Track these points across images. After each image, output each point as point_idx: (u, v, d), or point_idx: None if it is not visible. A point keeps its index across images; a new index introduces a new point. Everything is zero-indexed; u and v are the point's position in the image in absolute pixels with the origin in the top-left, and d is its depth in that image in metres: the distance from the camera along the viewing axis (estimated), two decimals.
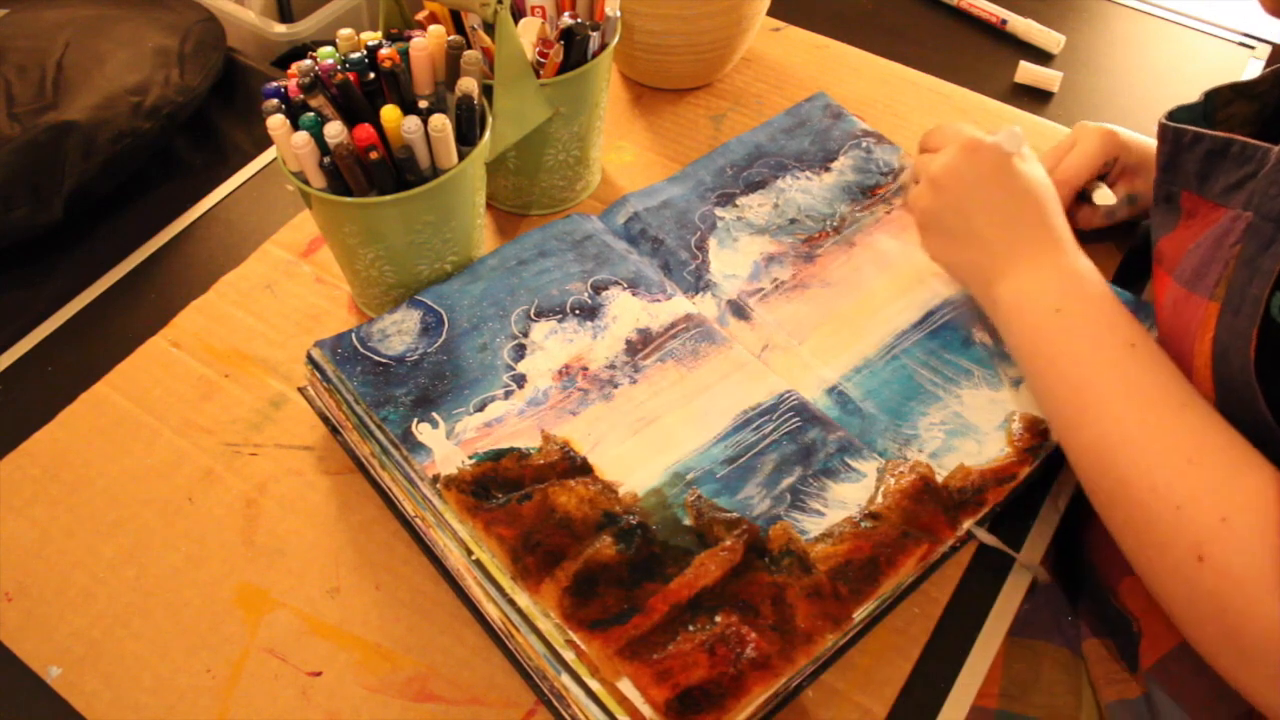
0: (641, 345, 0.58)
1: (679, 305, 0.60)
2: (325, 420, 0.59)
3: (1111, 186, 0.65)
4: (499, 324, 0.58)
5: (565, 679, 0.45)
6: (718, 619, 0.46)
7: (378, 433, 0.54)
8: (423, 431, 0.53)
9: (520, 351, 0.57)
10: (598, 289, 0.60)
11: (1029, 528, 0.55)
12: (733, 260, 0.64)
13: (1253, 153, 0.47)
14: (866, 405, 0.57)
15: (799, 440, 0.54)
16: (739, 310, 0.62)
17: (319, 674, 0.50)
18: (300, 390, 0.60)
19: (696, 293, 0.63)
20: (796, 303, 0.62)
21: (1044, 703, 0.55)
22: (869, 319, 0.61)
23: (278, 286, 0.68)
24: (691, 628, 0.46)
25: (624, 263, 0.62)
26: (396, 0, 0.63)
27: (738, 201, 0.68)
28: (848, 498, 0.52)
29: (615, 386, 0.55)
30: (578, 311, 0.59)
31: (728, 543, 0.49)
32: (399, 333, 0.57)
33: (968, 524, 0.52)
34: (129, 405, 0.61)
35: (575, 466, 0.52)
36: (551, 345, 0.57)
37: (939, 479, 0.53)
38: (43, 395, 0.62)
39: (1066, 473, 0.57)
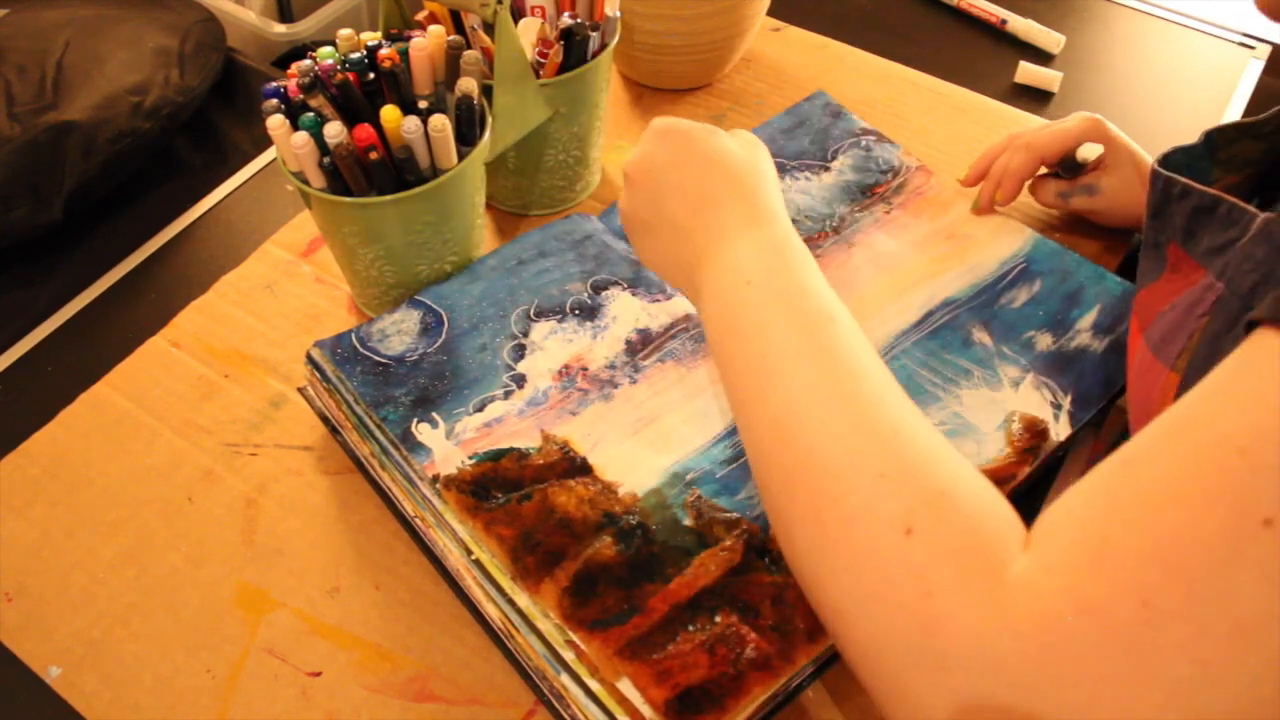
0: (641, 345, 0.58)
1: (679, 305, 0.60)
2: (325, 420, 0.59)
3: (1087, 174, 0.66)
4: (499, 324, 0.58)
5: (565, 679, 0.45)
6: (718, 619, 0.46)
7: (377, 433, 0.54)
8: (422, 431, 0.53)
9: (520, 352, 0.57)
10: (597, 289, 0.60)
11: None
12: None
13: (1239, 216, 0.43)
14: None
15: None
16: None
17: (319, 674, 0.50)
18: (300, 390, 0.60)
19: None
20: None
21: None
22: (868, 320, 0.61)
23: (278, 286, 0.68)
24: (691, 628, 0.46)
25: (624, 263, 0.62)
26: (396, 0, 0.63)
27: None
28: None
29: (615, 387, 0.55)
30: (577, 312, 0.59)
31: (728, 542, 0.49)
32: (399, 333, 0.57)
33: None
34: (129, 405, 0.61)
35: (575, 466, 0.52)
36: (551, 345, 0.57)
37: None
38: (43, 395, 0.62)
39: (1066, 473, 0.57)
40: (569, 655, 0.45)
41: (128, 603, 0.53)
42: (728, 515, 0.50)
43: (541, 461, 0.52)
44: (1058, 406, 0.56)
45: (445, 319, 0.58)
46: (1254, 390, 0.32)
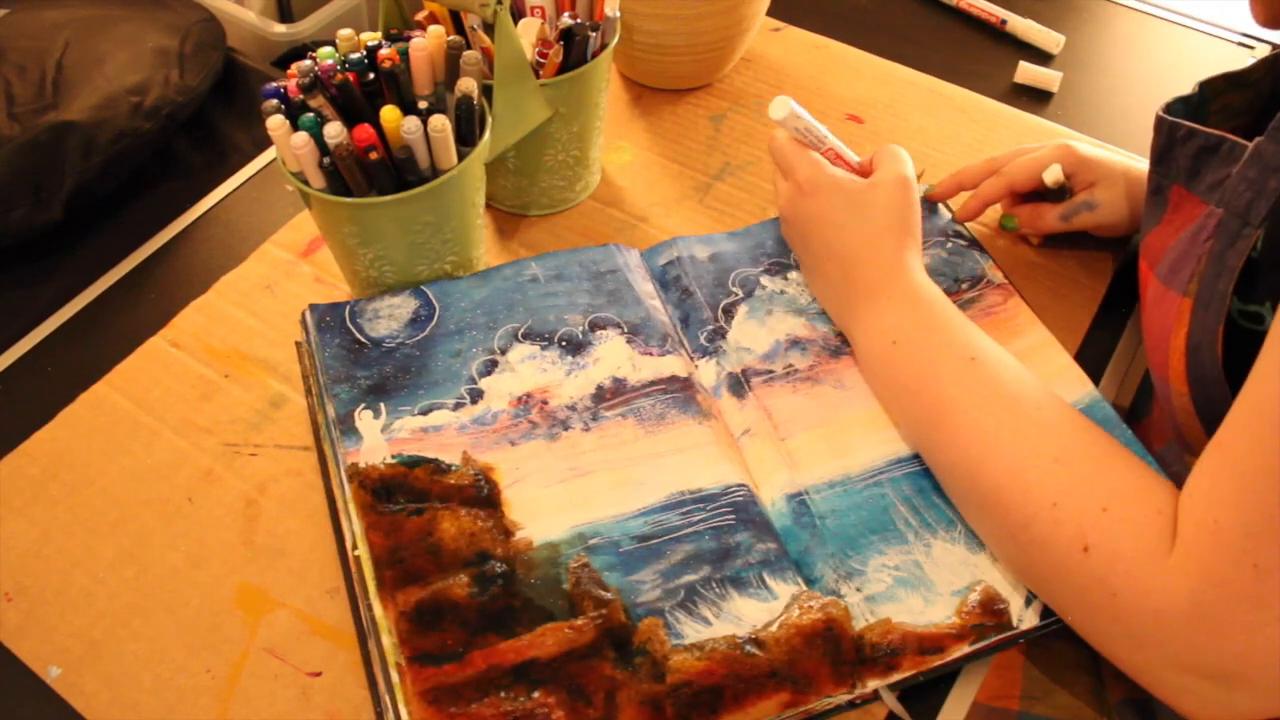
0: (611, 394, 0.56)
1: (668, 364, 0.57)
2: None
3: (1080, 193, 0.64)
4: (483, 334, 0.58)
5: (388, 698, 0.45)
6: (536, 694, 0.44)
7: (328, 407, 0.54)
8: (363, 418, 0.53)
9: (490, 367, 0.56)
10: (594, 327, 0.59)
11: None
12: (755, 333, 0.60)
13: (1240, 152, 0.47)
14: (824, 523, 0.52)
15: (722, 539, 0.50)
16: (736, 386, 0.58)
17: (319, 674, 0.50)
18: (296, 344, 0.60)
19: (704, 355, 0.60)
20: (800, 395, 0.58)
21: (1066, 703, 0.53)
22: (867, 435, 0.56)
23: (278, 286, 0.68)
24: (503, 694, 0.44)
25: (636, 307, 0.60)
26: (396, 1, 0.64)
27: (789, 275, 0.64)
28: (745, 615, 0.48)
29: (566, 429, 0.54)
30: (564, 344, 0.58)
31: (579, 622, 0.47)
32: (389, 316, 0.58)
33: (875, 684, 0.47)
34: (129, 405, 0.61)
35: (481, 497, 0.51)
36: (523, 370, 0.56)
37: (854, 627, 0.48)
38: (43, 395, 0.62)
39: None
40: (395, 677, 0.45)
41: (128, 603, 0.53)
42: (603, 594, 0.48)
43: (453, 482, 0.52)
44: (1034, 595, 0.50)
45: (437, 315, 0.58)
46: None
